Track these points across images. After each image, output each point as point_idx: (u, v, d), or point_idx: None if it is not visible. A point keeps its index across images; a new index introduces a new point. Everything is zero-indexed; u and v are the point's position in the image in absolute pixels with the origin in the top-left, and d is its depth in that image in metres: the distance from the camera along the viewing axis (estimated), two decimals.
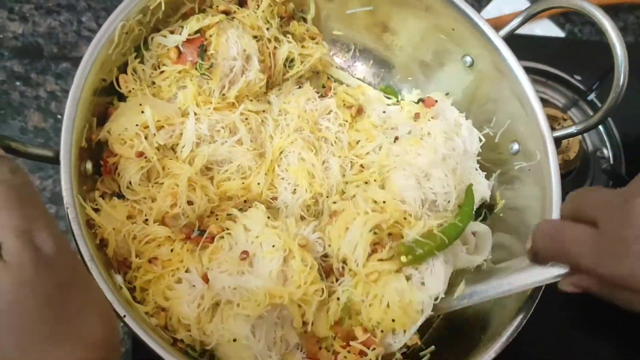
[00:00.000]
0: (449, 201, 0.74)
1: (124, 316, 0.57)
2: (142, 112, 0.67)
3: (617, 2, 1.04)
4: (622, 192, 0.52)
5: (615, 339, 0.86)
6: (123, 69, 0.71)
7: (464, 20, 0.72)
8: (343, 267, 0.70)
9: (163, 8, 0.68)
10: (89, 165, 0.66)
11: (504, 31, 0.72)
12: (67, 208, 0.59)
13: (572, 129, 0.72)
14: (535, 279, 0.61)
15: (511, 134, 0.75)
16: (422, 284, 0.69)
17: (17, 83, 0.91)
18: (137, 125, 0.66)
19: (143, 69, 0.71)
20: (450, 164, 0.73)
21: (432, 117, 0.77)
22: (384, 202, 0.70)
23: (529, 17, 0.72)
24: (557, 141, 0.70)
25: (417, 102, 0.80)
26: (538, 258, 0.60)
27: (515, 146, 0.74)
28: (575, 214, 0.56)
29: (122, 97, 0.72)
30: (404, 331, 0.68)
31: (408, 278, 0.69)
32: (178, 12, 0.71)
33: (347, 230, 0.68)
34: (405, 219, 0.71)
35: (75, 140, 0.62)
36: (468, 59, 0.76)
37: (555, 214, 0.66)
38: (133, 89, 0.71)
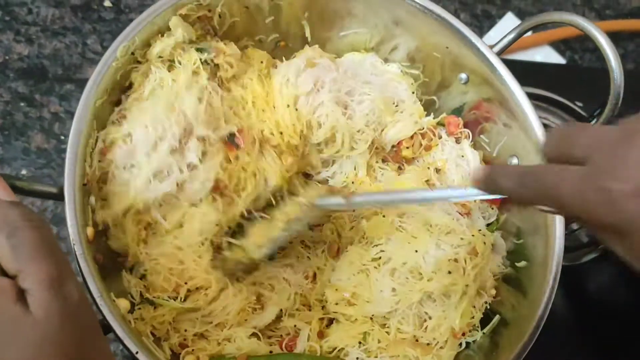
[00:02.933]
0: None
1: (137, 352, 0.57)
2: None
3: (617, 29, 1.05)
4: (620, 128, 0.42)
5: None
6: None
7: (458, 38, 0.72)
8: None
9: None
10: (92, 199, 0.65)
11: (498, 47, 0.72)
12: (73, 245, 0.58)
13: None
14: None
15: (509, 149, 0.74)
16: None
17: (22, 104, 0.91)
18: None
19: None
20: None
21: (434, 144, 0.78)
22: None
23: (523, 32, 0.71)
24: None
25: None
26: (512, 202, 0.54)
27: (514, 160, 0.74)
28: (560, 155, 0.46)
29: None
30: None
31: None
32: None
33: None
34: None
35: (79, 176, 0.61)
36: (463, 76, 0.76)
37: (559, 231, 0.66)
38: None
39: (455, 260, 0.68)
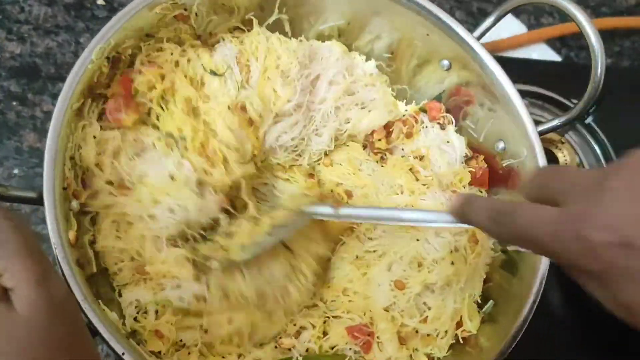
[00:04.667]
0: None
1: (123, 354, 0.56)
2: None
3: (613, 27, 1.05)
4: (599, 171, 0.42)
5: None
6: None
7: (438, 24, 0.72)
8: None
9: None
10: (74, 204, 0.65)
11: (478, 31, 0.73)
12: (55, 248, 0.58)
13: (556, 122, 0.72)
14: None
15: (496, 133, 0.74)
16: None
17: (14, 103, 0.91)
18: None
19: None
20: None
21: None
22: None
23: (503, 15, 0.73)
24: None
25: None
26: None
27: (501, 144, 0.73)
28: (538, 196, 0.46)
29: None
30: None
31: None
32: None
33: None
34: None
35: (59, 179, 0.61)
36: (445, 62, 0.76)
37: None
38: None
39: (456, 249, 0.67)
